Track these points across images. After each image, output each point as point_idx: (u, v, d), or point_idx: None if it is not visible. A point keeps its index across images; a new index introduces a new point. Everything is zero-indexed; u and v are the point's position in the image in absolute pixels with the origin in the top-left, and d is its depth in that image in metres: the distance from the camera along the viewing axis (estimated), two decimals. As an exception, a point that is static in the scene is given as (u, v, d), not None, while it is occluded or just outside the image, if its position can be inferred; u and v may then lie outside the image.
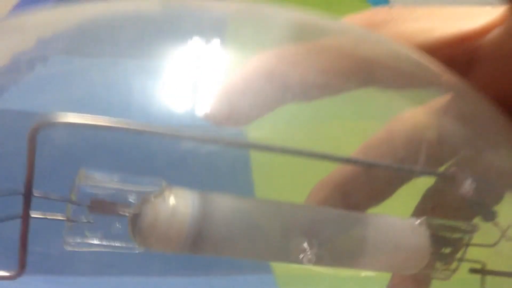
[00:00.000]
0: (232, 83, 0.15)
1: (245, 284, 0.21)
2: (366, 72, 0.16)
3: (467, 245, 0.16)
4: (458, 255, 0.16)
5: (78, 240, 0.13)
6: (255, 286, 0.21)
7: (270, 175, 0.21)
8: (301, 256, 0.13)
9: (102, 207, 0.12)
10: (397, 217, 0.15)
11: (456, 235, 0.16)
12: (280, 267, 0.20)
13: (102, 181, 0.12)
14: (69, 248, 0.13)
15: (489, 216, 0.16)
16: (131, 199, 0.13)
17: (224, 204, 0.13)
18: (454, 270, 0.16)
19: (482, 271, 0.17)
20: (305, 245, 0.13)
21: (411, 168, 0.15)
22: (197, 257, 0.19)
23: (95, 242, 0.13)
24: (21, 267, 0.12)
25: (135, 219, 0.13)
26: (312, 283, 0.20)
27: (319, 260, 0.14)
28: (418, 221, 0.15)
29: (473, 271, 0.17)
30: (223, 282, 0.21)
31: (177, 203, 0.13)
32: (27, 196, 0.12)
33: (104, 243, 0.13)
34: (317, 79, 0.16)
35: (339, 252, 0.14)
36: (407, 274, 0.16)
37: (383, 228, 0.15)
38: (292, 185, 0.20)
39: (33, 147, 0.11)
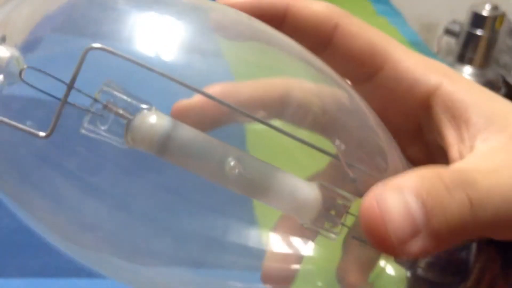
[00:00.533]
0: None
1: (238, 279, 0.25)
2: None
3: (347, 212, 0.23)
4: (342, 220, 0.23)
5: (91, 127, 0.20)
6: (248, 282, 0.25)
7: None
8: (230, 168, 0.20)
9: (113, 108, 0.20)
10: (298, 177, 0.22)
11: (340, 202, 0.23)
12: None
13: (118, 89, 0.20)
14: (83, 131, 0.20)
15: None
16: (131, 109, 0.20)
17: (187, 129, 0.21)
18: (338, 233, 0.23)
19: (358, 238, 0.23)
20: (233, 163, 0.20)
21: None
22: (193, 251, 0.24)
23: (101, 132, 0.20)
24: (52, 130, 0.19)
25: (129, 122, 0.20)
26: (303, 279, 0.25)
27: (240, 180, 0.21)
28: (315, 183, 0.23)
29: (354, 237, 0.23)
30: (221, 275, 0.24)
31: (158, 120, 0.20)
32: (70, 86, 0.19)
33: (107, 134, 0.20)
34: None
35: (253, 180, 0.21)
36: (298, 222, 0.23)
37: (286, 177, 0.22)
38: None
39: (82, 60, 0.19)
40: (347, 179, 0.23)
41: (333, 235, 0.23)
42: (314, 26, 0.24)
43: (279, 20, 0.24)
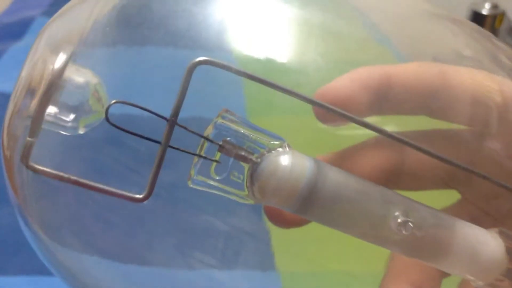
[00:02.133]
0: None
1: (249, 279, 0.21)
2: None
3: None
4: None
5: (202, 178, 0.14)
6: (260, 282, 0.21)
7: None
8: (397, 226, 0.14)
9: (231, 149, 0.13)
10: (475, 225, 0.16)
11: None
12: (284, 264, 0.20)
13: (237, 122, 0.13)
14: (191, 185, 0.14)
15: None
16: (256, 149, 0.14)
17: (335, 170, 0.14)
18: None
19: None
20: (401, 219, 0.14)
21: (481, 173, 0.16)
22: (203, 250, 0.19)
23: (215, 184, 0.14)
24: (149, 192, 0.13)
25: (256, 168, 0.14)
26: (315, 281, 0.20)
27: (411, 238, 0.14)
28: (495, 231, 0.16)
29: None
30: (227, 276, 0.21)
31: (295, 161, 0.14)
32: (172, 123, 0.13)
33: (223, 187, 0.14)
34: None
35: (426, 240, 0.15)
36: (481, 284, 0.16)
37: (466, 230, 0.16)
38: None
39: (188, 79, 0.13)
40: None
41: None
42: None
43: None
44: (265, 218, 0.19)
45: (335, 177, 0.14)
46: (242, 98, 0.19)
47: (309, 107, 0.16)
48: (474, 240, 0.16)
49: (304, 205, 0.14)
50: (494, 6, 1.93)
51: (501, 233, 0.17)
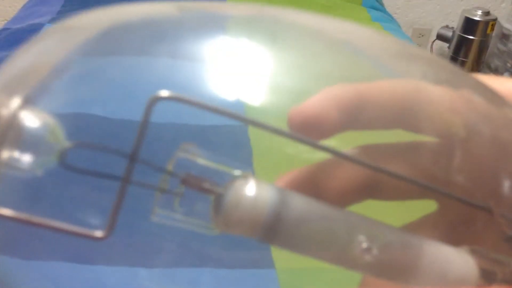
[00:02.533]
0: None
1: (248, 277, 0.21)
2: None
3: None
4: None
5: (165, 213, 0.14)
6: (257, 280, 0.21)
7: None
8: (362, 251, 0.14)
9: (194, 182, 0.14)
10: (445, 244, 0.16)
11: (500, 269, 0.17)
12: (281, 262, 0.20)
13: (199, 156, 0.14)
14: (154, 219, 0.14)
15: None
16: (219, 180, 0.14)
17: (299, 199, 0.14)
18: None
19: None
20: (366, 244, 0.14)
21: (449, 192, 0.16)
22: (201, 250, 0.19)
23: (179, 217, 0.14)
24: (110, 229, 0.13)
25: (220, 199, 0.14)
26: (312, 278, 0.20)
27: (377, 264, 0.15)
28: (466, 250, 0.16)
29: None
30: (228, 274, 0.20)
31: (259, 191, 0.14)
32: (132, 159, 0.13)
33: (187, 219, 0.14)
34: None
35: (393, 263, 0.15)
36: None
37: (434, 251, 0.16)
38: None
39: (148, 113, 0.13)
40: (504, 237, 0.17)
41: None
42: None
43: None
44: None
45: (298, 205, 0.14)
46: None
47: None
48: (443, 259, 0.16)
49: (268, 234, 0.14)
50: (486, 13, 1.95)
51: (473, 252, 0.17)
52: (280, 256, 0.21)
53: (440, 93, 0.19)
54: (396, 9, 1.93)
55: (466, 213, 0.19)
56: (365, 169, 0.19)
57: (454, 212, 0.19)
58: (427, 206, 0.20)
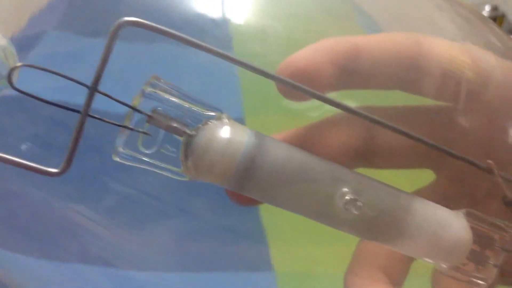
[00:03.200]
0: None
1: (246, 281, 0.20)
2: None
3: (508, 250, 0.15)
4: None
5: (129, 152, 0.12)
6: (256, 283, 0.20)
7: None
8: (345, 204, 0.13)
9: (161, 120, 0.12)
10: (439, 205, 0.15)
11: (494, 235, 0.15)
12: (280, 265, 0.19)
13: (169, 90, 0.12)
14: (117, 159, 0.12)
15: None
16: (190, 119, 0.13)
17: (277, 144, 0.13)
18: (490, 279, 0.16)
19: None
20: (350, 197, 0.13)
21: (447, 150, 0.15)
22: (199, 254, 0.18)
23: (144, 158, 0.13)
24: (67, 165, 0.12)
25: (190, 140, 0.13)
26: (311, 282, 0.19)
27: (362, 218, 0.13)
28: (462, 212, 0.15)
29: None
30: (225, 278, 0.20)
31: (234, 132, 0.13)
32: (92, 90, 0.12)
33: (154, 162, 0.13)
34: None
35: (380, 220, 0.14)
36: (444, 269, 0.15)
37: (426, 211, 0.14)
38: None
39: (111, 42, 0.12)
40: (505, 200, 0.15)
41: (482, 283, 0.16)
42: None
43: None
44: (261, 217, 0.18)
45: (277, 151, 0.13)
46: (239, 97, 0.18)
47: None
48: (434, 221, 0.14)
49: (242, 182, 0.13)
50: (494, 8, 1.94)
51: (468, 214, 0.15)
52: (280, 259, 0.20)
53: (443, 47, 0.18)
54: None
55: (465, 181, 0.18)
56: (358, 133, 0.17)
57: (452, 181, 0.18)
58: (424, 177, 0.19)
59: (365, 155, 0.18)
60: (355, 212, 0.13)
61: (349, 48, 0.16)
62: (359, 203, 0.13)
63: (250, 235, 0.19)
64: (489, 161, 0.15)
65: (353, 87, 0.18)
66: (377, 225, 0.14)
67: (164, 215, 0.18)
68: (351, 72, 0.17)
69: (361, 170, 0.17)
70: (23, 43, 0.15)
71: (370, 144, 0.18)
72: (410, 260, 0.17)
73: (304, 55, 0.16)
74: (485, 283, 0.15)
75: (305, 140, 0.17)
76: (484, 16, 0.21)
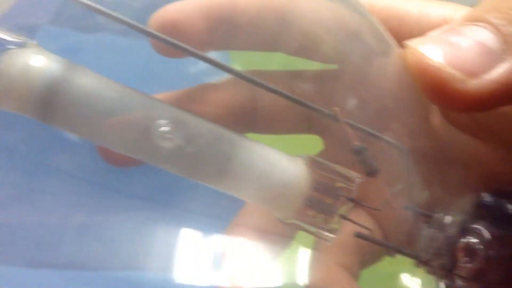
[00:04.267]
0: None
1: None
2: None
3: (352, 200, 0.15)
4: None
5: None
6: None
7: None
8: (159, 137, 0.13)
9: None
10: (275, 149, 0.15)
11: (339, 184, 0.15)
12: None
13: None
14: None
15: (372, 171, 0.15)
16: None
17: (89, 76, 0.13)
18: (336, 230, 0.15)
19: (362, 236, 0.16)
20: (164, 128, 0.13)
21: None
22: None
23: None
24: None
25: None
26: None
27: (179, 153, 0.13)
28: (301, 157, 0.15)
29: (357, 235, 0.16)
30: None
31: (38, 59, 0.12)
32: None
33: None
34: None
35: (200, 156, 0.13)
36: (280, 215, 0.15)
37: (255, 151, 0.14)
38: None
39: None
40: (349, 149, 0.15)
41: (329, 235, 0.15)
42: None
43: None
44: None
45: (87, 82, 0.13)
46: None
47: None
48: (264, 161, 0.14)
49: (45, 113, 0.12)
50: None
51: (310, 161, 0.15)
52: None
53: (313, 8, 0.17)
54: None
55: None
56: (241, 95, 0.17)
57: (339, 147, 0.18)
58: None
59: (248, 118, 0.17)
60: (169, 145, 0.13)
61: (223, 2, 0.16)
62: (170, 135, 0.13)
63: None
64: (335, 108, 0.15)
65: (234, 47, 0.17)
66: (197, 161, 0.13)
67: None
68: (227, 29, 0.16)
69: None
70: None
71: (253, 107, 0.17)
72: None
73: (175, 7, 0.15)
74: (334, 235, 0.15)
75: (188, 100, 0.17)
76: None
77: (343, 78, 0.17)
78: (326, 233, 0.15)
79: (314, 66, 0.18)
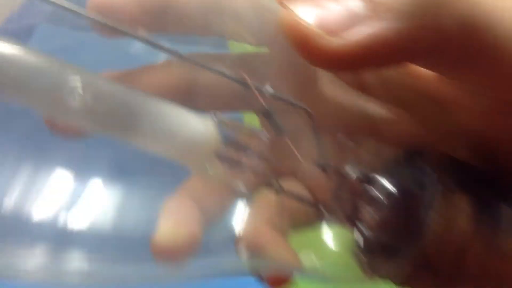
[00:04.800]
0: None
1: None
2: None
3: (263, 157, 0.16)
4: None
5: None
6: None
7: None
8: (69, 93, 0.14)
9: None
10: (184, 109, 0.16)
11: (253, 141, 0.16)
12: None
13: None
14: None
15: (278, 130, 0.16)
16: None
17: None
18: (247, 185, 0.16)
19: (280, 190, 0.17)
20: (74, 84, 0.14)
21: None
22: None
23: None
24: None
25: None
26: None
27: (88, 109, 0.14)
28: (211, 117, 0.16)
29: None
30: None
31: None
32: None
33: None
34: None
35: (111, 113, 0.15)
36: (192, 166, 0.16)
37: (161, 108, 0.15)
38: None
39: None
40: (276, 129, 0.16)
41: (241, 186, 0.17)
42: None
43: None
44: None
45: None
46: None
47: None
48: (172, 120, 0.15)
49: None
50: None
51: (219, 120, 0.16)
52: None
53: None
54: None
55: None
56: (179, 74, 0.18)
57: None
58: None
59: (187, 96, 0.18)
60: (77, 101, 0.14)
61: None
62: (79, 91, 0.14)
63: None
64: (242, 73, 0.16)
65: (170, 29, 0.18)
66: (105, 117, 0.15)
67: None
68: (161, 9, 0.17)
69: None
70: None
71: (189, 86, 0.18)
72: (221, 188, 0.18)
73: None
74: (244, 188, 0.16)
75: (126, 79, 0.18)
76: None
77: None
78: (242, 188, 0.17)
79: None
